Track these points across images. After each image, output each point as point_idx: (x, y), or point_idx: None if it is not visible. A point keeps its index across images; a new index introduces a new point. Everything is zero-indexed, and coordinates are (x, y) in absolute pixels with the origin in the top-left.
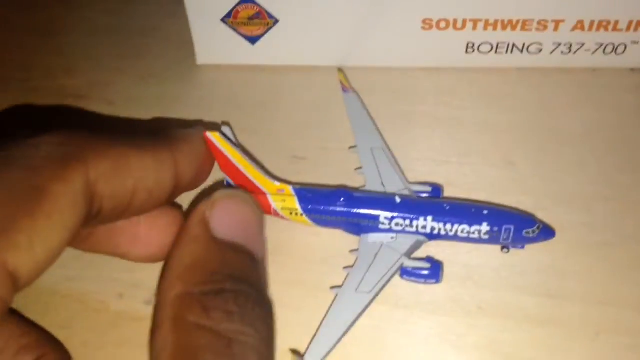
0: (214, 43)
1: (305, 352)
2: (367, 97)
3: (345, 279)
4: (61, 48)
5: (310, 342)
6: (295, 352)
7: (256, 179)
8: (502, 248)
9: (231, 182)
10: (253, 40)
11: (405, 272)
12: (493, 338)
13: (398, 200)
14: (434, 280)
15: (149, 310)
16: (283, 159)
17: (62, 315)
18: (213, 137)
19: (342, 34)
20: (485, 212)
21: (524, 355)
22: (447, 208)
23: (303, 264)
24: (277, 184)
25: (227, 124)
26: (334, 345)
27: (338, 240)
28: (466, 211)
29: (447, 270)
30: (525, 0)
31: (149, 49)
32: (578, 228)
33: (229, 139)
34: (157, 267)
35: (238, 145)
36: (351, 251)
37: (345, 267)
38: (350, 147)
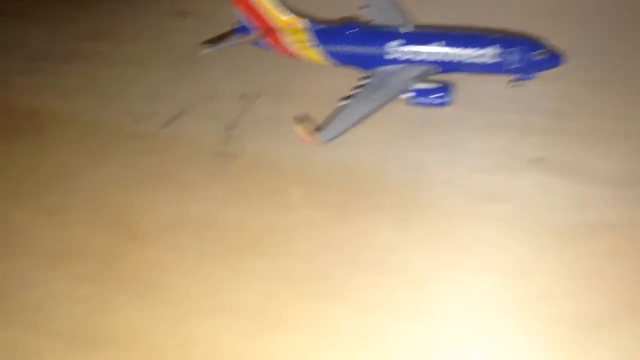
0: None
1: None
2: None
3: (355, 93)
4: None
5: (323, 125)
6: (303, 121)
7: (267, 11)
8: (510, 81)
9: (242, 16)
10: None
11: (414, 94)
12: (505, 147)
13: (407, 29)
14: (442, 100)
15: (164, 131)
16: None
17: (79, 133)
18: None
19: None
20: (493, 36)
21: (531, 155)
22: (455, 34)
23: (316, 99)
24: (288, 17)
25: None
26: (341, 133)
27: (350, 78)
28: (474, 36)
29: (455, 98)
30: None
31: None
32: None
33: None
34: (174, 100)
35: None
36: (361, 78)
37: (355, 87)
38: (361, 7)
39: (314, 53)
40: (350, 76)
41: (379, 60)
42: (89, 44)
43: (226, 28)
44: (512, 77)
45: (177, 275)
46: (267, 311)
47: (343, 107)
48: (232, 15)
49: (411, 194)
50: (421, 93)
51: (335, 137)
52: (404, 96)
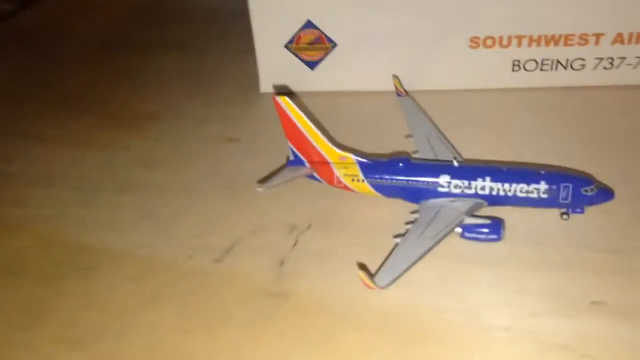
0: (276, 71)
1: (374, 273)
2: None
3: (408, 230)
4: (136, 85)
5: (379, 269)
6: (364, 267)
7: (320, 145)
8: (562, 214)
9: (295, 150)
10: (312, 65)
11: (465, 229)
12: (562, 288)
13: (456, 164)
14: (495, 237)
15: (217, 267)
16: None
17: (134, 271)
18: (282, 100)
19: (396, 58)
20: (542, 172)
21: (590, 298)
22: (505, 170)
23: (366, 231)
24: (339, 151)
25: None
26: (399, 276)
27: (399, 209)
28: (523, 172)
29: (506, 232)
30: (566, 15)
31: (216, 82)
32: (635, 198)
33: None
34: (226, 232)
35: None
36: (411, 212)
37: (406, 223)
38: (407, 136)
39: (365, 186)
40: (402, 206)
41: (429, 194)
42: (140, 171)
43: (275, 154)
44: (562, 210)
45: None
46: None
47: (398, 247)
48: (280, 141)
49: (470, 342)
50: (472, 228)
51: (394, 280)
52: (456, 230)
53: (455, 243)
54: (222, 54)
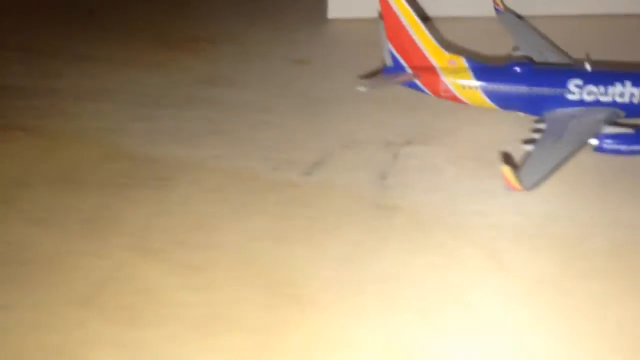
0: None
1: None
2: None
3: (538, 139)
4: (188, 12)
5: (521, 170)
6: (510, 160)
7: (427, 46)
8: None
9: (395, 53)
10: None
11: (604, 140)
12: None
13: (589, 67)
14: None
15: (309, 179)
16: None
17: (213, 182)
18: None
19: None
20: None
21: None
22: None
23: (473, 146)
24: (448, 54)
25: None
26: (544, 178)
27: (509, 125)
28: None
29: None
30: None
31: (276, 9)
32: None
33: None
34: (312, 147)
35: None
36: (536, 121)
37: (533, 130)
38: (514, 48)
39: (477, 95)
40: (513, 121)
41: (556, 102)
42: (207, 90)
43: (349, 77)
44: None
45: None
46: None
47: (535, 150)
48: (354, 65)
49: (628, 257)
50: (613, 138)
51: (539, 182)
52: (592, 142)
53: (587, 157)
54: None
